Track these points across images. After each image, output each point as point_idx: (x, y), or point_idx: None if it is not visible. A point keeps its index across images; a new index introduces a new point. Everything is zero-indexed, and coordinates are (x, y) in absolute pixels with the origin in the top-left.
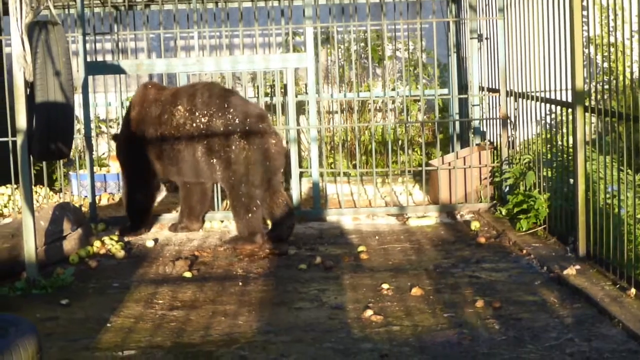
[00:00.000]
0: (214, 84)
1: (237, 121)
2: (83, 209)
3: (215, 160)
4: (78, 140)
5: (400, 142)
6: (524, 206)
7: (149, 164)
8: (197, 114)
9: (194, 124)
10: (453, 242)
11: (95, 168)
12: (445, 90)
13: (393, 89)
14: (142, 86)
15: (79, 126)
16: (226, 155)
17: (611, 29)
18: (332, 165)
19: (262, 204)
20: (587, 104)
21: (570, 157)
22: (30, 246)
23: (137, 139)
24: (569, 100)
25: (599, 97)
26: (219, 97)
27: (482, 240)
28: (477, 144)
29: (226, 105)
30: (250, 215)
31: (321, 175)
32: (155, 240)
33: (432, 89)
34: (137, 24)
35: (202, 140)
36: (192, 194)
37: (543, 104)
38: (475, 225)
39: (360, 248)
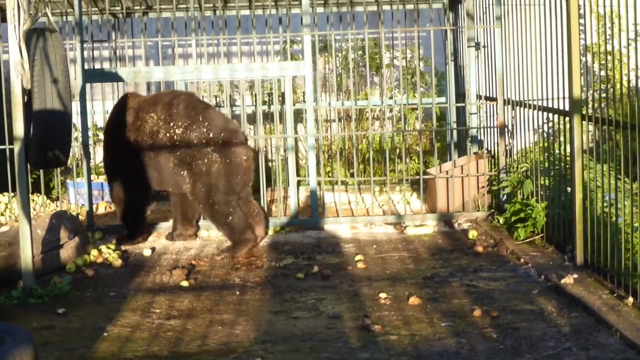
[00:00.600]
0: (191, 95)
1: (210, 135)
2: (80, 217)
3: (185, 172)
4: (75, 148)
5: (397, 150)
6: (522, 215)
7: (130, 171)
8: (171, 124)
9: (168, 134)
10: (451, 251)
11: (93, 176)
12: (443, 99)
13: (391, 97)
14: (123, 95)
15: (76, 134)
16: (197, 168)
17: (608, 37)
18: (330, 174)
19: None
20: (584, 112)
21: (567, 166)
22: (27, 254)
23: (117, 146)
24: (567, 108)
25: (596, 105)
26: (194, 109)
27: (480, 249)
28: (474, 153)
29: (200, 119)
30: (230, 218)
31: (319, 183)
32: (153, 249)
33: (430, 97)
34: (135, 32)
35: (174, 151)
36: (182, 200)
37: (540, 113)
38: (472, 234)
39: (358, 257)
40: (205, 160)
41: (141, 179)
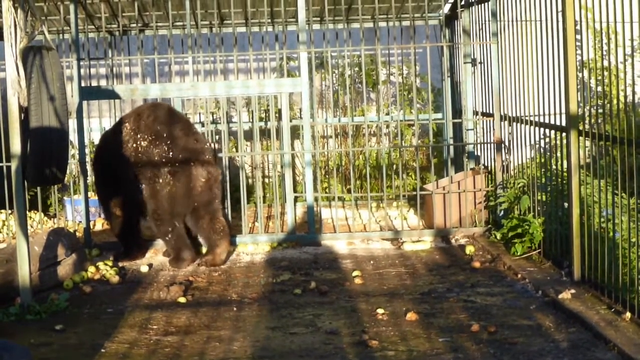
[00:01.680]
0: (165, 108)
1: (170, 155)
2: (77, 234)
3: (144, 185)
4: (72, 166)
5: (394, 166)
6: (519, 230)
7: (115, 186)
8: (138, 135)
9: (134, 145)
10: (448, 267)
11: (90, 193)
12: (440, 115)
13: (387, 114)
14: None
15: (73, 151)
16: (152, 185)
17: (605, 52)
18: (327, 190)
19: (195, 226)
20: (581, 127)
21: (564, 181)
22: (25, 271)
23: (102, 162)
24: (563, 124)
25: (593, 121)
26: (162, 124)
27: (477, 264)
28: (471, 169)
29: (164, 135)
30: (170, 236)
31: (316, 199)
32: (150, 265)
33: (426, 114)
34: (131, 49)
35: (137, 163)
36: None
37: (537, 128)
38: (469, 249)
39: (355, 273)
40: (160, 181)
41: (125, 193)
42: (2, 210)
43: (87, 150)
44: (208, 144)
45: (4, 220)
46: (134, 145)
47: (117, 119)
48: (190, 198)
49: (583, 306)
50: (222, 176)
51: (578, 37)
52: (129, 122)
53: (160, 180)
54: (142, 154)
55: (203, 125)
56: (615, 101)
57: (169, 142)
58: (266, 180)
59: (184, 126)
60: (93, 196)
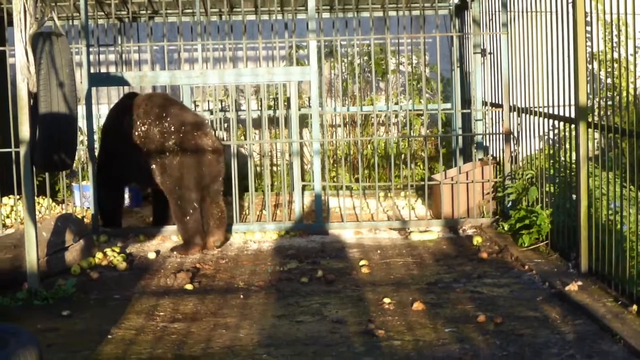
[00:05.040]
0: (160, 95)
1: (172, 129)
2: (85, 220)
3: (154, 166)
4: (81, 152)
5: (402, 156)
6: (526, 222)
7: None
8: (138, 122)
9: (136, 132)
10: (455, 257)
11: None
12: (448, 105)
13: (396, 103)
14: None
15: (82, 137)
16: (162, 161)
17: (615, 44)
18: (335, 179)
19: (201, 208)
20: (590, 119)
21: (573, 173)
22: (32, 257)
23: (105, 149)
24: (572, 116)
25: (602, 113)
26: (159, 106)
27: (484, 255)
28: (479, 159)
29: (164, 114)
30: (187, 218)
31: (323, 188)
32: (157, 252)
33: (435, 104)
34: (140, 36)
35: (143, 147)
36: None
37: (546, 120)
38: (477, 240)
39: (362, 262)
40: (168, 154)
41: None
42: (11, 196)
43: (95, 137)
44: (207, 121)
45: (12, 206)
46: (136, 132)
47: (115, 109)
48: (203, 167)
49: (590, 298)
50: (224, 152)
51: (588, 28)
52: (129, 113)
53: (168, 154)
54: (144, 137)
55: (212, 113)
56: (624, 93)
57: (168, 118)
58: (274, 168)
59: (179, 106)
60: None
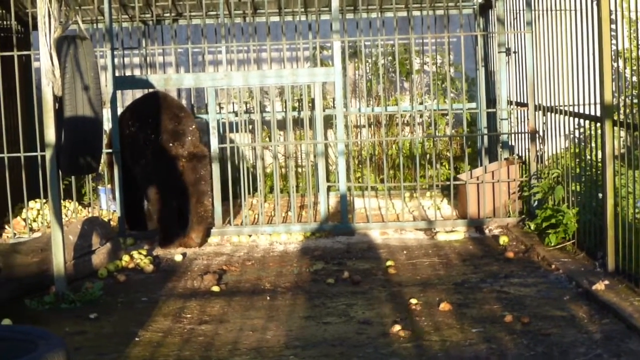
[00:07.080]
0: (156, 96)
1: (152, 137)
2: (112, 223)
3: (136, 169)
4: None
5: (428, 156)
6: (553, 221)
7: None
8: (129, 122)
9: (127, 131)
10: (481, 257)
11: None
12: (474, 104)
13: (421, 103)
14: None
15: (107, 140)
16: (144, 163)
17: None
18: (360, 180)
19: (184, 205)
20: (615, 118)
21: (599, 172)
22: (59, 260)
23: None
24: (598, 114)
25: (627, 111)
26: (152, 109)
27: (511, 255)
28: (505, 158)
29: (150, 121)
30: (161, 215)
31: (349, 189)
32: (184, 254)
33: (460, 103)
34: (165, 39)
35: (130, 146)
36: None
37: (571, 118)
38: (503, 239)
39: (388, 262)
40: (144, 161)
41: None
42: (37, 200)
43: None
44: (194, 127)
45: (38, 210)
46: (127, 131)
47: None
48: (175, 177)
49: (617, 297)
50: (208, 158)
51: (613, 26)
52: (129, 110)
53: (144, 161)
54: (131, 138)
55: (236, 115)
56: None
57: (153, 126)
58: (299, 169)
59: (170, 112)
60: None
